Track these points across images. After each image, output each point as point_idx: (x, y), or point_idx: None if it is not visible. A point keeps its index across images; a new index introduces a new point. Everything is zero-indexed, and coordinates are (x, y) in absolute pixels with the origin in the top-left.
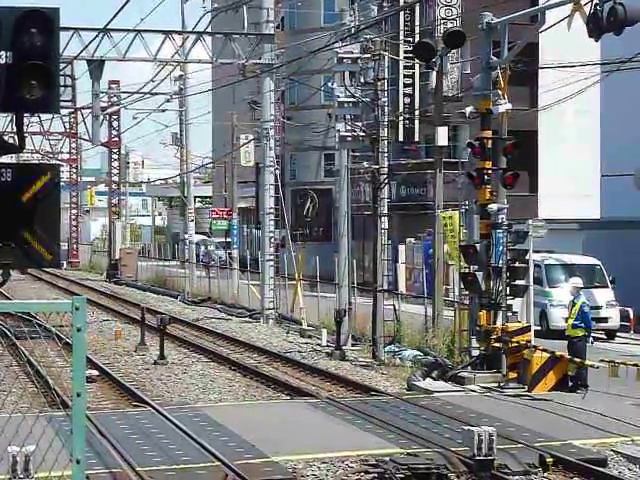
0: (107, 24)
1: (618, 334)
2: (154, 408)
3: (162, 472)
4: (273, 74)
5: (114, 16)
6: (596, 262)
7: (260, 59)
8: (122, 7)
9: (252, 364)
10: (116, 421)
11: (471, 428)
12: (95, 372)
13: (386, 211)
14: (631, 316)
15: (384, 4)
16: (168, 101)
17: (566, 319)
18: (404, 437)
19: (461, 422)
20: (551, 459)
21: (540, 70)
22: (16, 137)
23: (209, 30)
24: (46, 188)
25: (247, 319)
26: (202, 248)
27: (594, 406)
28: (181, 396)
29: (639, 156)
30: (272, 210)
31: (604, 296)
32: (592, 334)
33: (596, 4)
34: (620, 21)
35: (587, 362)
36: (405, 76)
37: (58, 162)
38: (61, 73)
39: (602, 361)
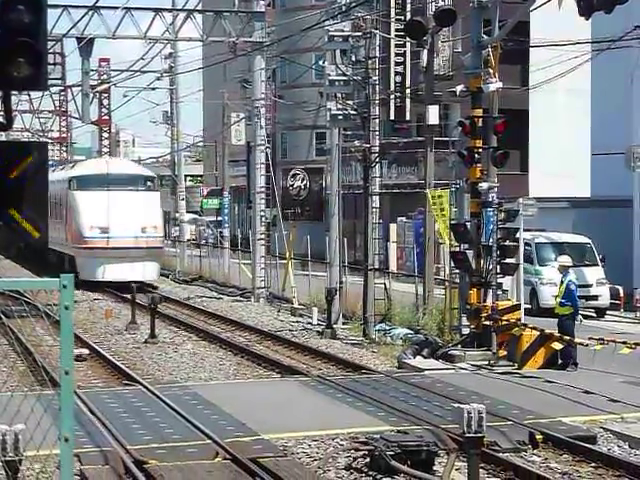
0: (96, 1)
1: (608, 312)
2: (145, 386)
3: (153, 450)
4: (264, 52)
5: None
6: (586, 240)
7: (251, 37)
8: None
9: (243, 343)
10: (106, 399)
11: (461, 405)
12: (86, 351)
13: (377, 190)
14: (621, 294)
15: None
16: (158, 79)
17: (556, 297)
18: (394, 415)
19: (451, 400)
20: (541, 436)
21: (531, 49)
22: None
23: (199, 8)
24: (33, 166)
25: (238, 298)
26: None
27: (583, 383)
28: (171, 375)
29: (629, 135)
30: (263, 189)
31: (594, 274)
32: (582, 312)
33: None
34: (610, 1)
35: (576, 340)
36: (396, 54)
37: (46, 140)
38: (50, 51)
39: (591, 339)
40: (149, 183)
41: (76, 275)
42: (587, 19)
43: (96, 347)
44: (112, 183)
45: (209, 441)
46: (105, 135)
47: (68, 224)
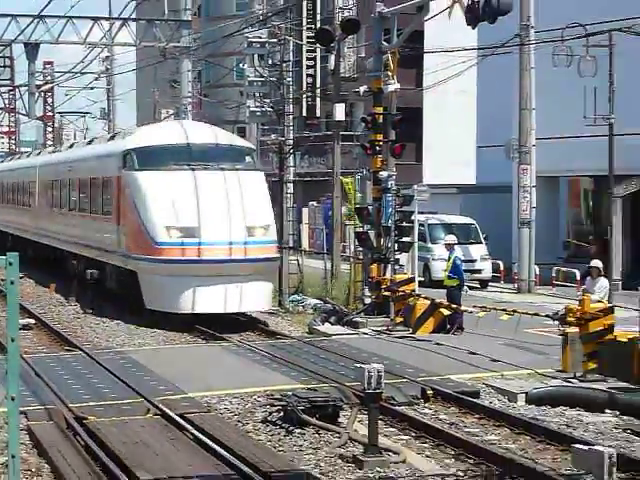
0: (41, 10)
1: (490, 283)
2: (84, 352)
3: (91, 408)
4: (190, 56)
5: (48, 3)
6: (471, 221)
7: (179, 42)
8: None
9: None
10: (50, 364)
11: (362, 365)
12: (32, 320)
13: (291, 178)
14: (501, 268)
15: None
16: (97, 79)
17: (444, 271)
18: (305, 374)
19: (354, 360)
20: (431, 391)
21: (425, 54)
22: None
23: (133, 16)
24: None
25: None
26: None
27: (469, 345)
28: (108, 341)
29: (509, 130)
30: None
31: (478, 251)
32: (467, 284)
33: None
34: (494, 11)
35: (462, 307)
36: (308, 59)
37: None
38: (0, 55)
39: (475, 307)
40: (249, 159)
41: (138, 300)
42: (473, 28)
43: (41, 317)
44: (198, 159)
45: (142, 399)
46: (49, 129)
47: (124, 223)
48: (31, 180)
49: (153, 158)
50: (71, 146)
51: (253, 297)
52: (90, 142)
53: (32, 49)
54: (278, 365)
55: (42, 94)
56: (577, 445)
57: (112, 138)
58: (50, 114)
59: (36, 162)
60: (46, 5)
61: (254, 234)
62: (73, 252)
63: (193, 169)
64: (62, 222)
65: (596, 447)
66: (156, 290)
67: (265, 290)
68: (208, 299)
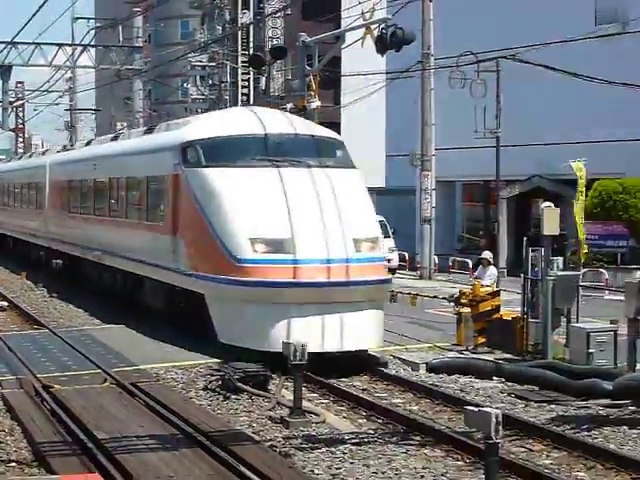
0: (14, 37)
1: (398, 271)
2: (50, 330)
3: (56, 377)
4: (142, 77)
5: (19, 31)
6: (382, 218)
7: (132, 65)
8: (25, 24)
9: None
10: (21, 340)
11: (289, 342)
12: (5, 303)
13: None
14: (407, 258)
15: (226, 25)
16: (61, 97)
17: None
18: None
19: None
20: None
21: (342, 77)
22: None
23: (93, 43)
24: None
25: None
26: None
27: None
28: (71, 321)
29: (413, 141)
30: None
31: (387, 244)
32: None
33: (382, 28)
34: (399, 41)
35: None
36: (242, 80)
37: None
38: None
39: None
40: (341, 153)
41: (201, 327)
42: (382, 56)
43: (13, 300)
44: (279, 153)
45: (99, 370)
46: (20, 139)
47: (184, 233)
48: (39, 180)
49: (225, 152)
50: (88, 143)
51: (361, 331)
52: (115, 138)
53: (6, 71)
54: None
55: (14, 109)
56: (469, 407)
57: (149, 131)
58: (21, 126)
59: (44, 161)
60: (18, 33)
61: (361, 249)
62: (92, 260)
63: (277, 165)
64: (81, 227)
65: (485, 409)
66: (234, 320)
67: (376, 322)
68: (304, 334)
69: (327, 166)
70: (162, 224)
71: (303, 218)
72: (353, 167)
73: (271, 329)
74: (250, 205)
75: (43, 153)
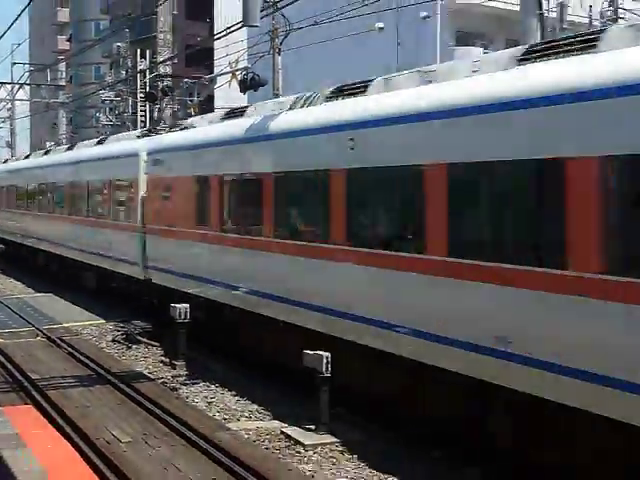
0: None
1: None
2: None
3: (0, 334)
4: (65, 108)
5: None
6: None
7: (58, 99)
8: None
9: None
10: None
11: (175, 305)
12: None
13: None
14: None
15: (128, 70)
16: (3, 122)
17: None
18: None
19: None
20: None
21: (215, 109)
22: None
23: (28, 82)
24: None
25: None
26: None
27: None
28: (11, 291)
29: None
30: None
31: None
32: None
33: (244, 74)
34: (256, 84)
35: None
36: (141, 110)
37: None
38: None
39: None
40: None
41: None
42: (244, 94)
43: None
44: None
45: (33, 328)
46: None
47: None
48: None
49: None
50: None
51: None
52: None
53: None
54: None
55: None
56: (306, 351)
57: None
58: None
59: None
60: None
61: None
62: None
63: None
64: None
65: (319, 352)
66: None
67: None
68: None
69: None
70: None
71: None
72: None
73: None
74: None
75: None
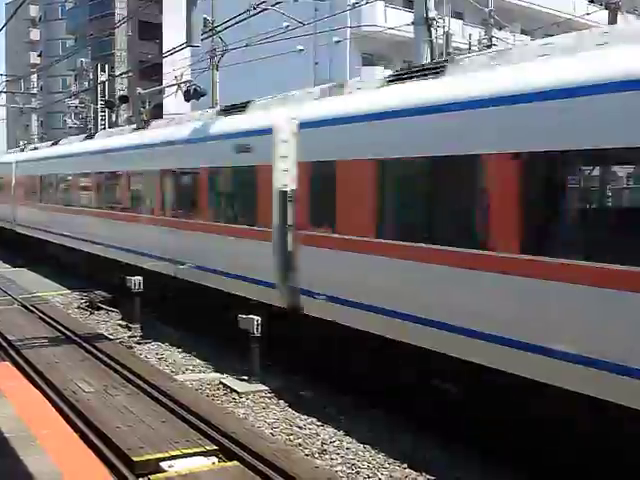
0: None
1: None
2: None
3: None
4: (37, 112)
5: None
6: None
7: (31, 104)
8: None
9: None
10: None
11: (129, 277)
12: None
13: None
14: None
15: (90, 81)
16: None
17: None
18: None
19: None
20: None
21: (164, 115)
22: None
23: (5, 90)
24: None
25: None
26: None
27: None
28: None
29: None
30: None
31: None
32: None
33: (188, 86)
34: (198, 94)
35: None
36: (101, 115)
37: None
38: None
39: None
40: None
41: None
42: (188, 102)
43: None
44: None
45: (10, 297)
46: None
47: None
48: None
49: None
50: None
51: None
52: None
53: None
54: (78, 279)
55: None
56: (241, 315)
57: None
58: None
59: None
60: None
61: None
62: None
63: None
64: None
65: (251, 315)
66: None
67: None
68: None
69: None
70: None
71: None
72: None
73: None
74: None
75: None
